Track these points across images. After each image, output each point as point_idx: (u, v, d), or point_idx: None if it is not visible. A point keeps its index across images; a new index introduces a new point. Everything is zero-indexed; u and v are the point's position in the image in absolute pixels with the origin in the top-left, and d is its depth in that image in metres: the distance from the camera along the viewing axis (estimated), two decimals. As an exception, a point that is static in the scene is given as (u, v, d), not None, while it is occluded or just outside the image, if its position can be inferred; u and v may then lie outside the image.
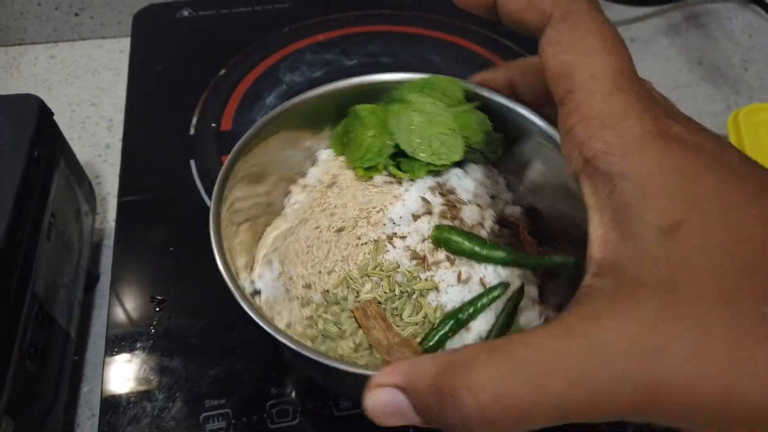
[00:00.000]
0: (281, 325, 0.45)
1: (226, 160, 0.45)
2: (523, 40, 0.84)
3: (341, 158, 0.52)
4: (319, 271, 0.46)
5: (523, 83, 0.46)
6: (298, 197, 0.52)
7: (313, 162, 0.53)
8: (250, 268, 0.49)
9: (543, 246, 0.49)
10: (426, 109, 0.47)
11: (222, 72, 0.80)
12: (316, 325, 0.44)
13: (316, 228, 0.47)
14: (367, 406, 0.30)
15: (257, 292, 0.47)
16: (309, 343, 0.44)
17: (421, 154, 0.47)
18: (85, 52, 0.95)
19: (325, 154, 0.53)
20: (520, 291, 0.45)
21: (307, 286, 0.45)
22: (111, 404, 0.52)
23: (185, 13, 0.88)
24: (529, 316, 0.45)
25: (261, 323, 0.38)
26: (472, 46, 0.84)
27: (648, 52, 0.96)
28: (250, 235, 0.49)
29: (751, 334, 0.24)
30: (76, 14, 0.93)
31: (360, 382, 0.32)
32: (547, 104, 0.44)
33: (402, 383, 0.29)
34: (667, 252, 0.26)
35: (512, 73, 0.45)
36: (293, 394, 0.52)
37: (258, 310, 0.39)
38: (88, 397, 0.61)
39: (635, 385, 0.24)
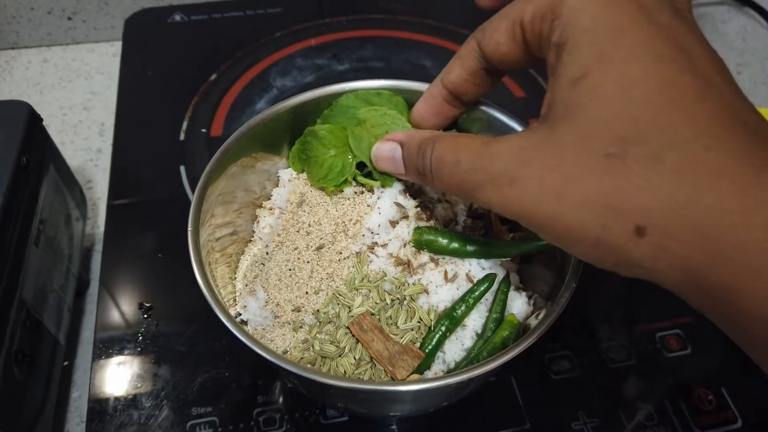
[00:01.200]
0: None
1: (193, 200, 0.44)
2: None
3: (303, 175, 0.52)
4: (306, 292, 0.45)
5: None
6: (267, 221, 0.51)
7: (276, 183, 0.53)
8: (233, 300, 0.48)
9: (514, 232, 0.50)
10: (380, 122, 0.48)
11: (213, 77, 0.80)
12: (313, 347, 0.44)
13: (295, 249, 0.47)
14: (373, 151, 0.46)
15: (244, 323, 0.47)
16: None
17: None
18: (77, 55, 0.95)
19: (287, 174, 0.52)
20: (507, 279, 0.46)
21: (297, 309, 0.45)
22: (98, 412, 0.52)
23: (177, 17, 0.88)
24: (518, 304, 0.46)
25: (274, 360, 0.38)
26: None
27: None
28: (225, 267, 0.48)
29: (584, 164, 0.30)
30: (69, 18, 0.93)
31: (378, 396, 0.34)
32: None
33: (401, 139, 0.43)
34: (566, 97, 0.31)
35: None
36: (280, 401, 0.52)
37: (261, 344, 0.39)
38: (78, 403, 0.61)
39: (484, 182, 0.34)
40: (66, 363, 0.62)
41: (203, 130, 0.74)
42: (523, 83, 0.80)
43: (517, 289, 0.47)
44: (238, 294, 0.48)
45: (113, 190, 0.67)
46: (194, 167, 0.69)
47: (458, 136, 0.38)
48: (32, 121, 0.59)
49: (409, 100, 0.49)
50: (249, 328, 0.46)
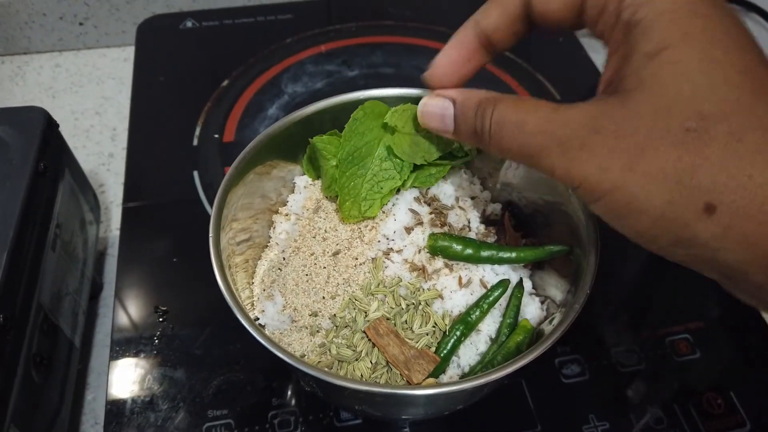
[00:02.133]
0: None
1: (214, 206, 0.45)
2: (522, 50, 0.85)
3: (319, 182, 0.52)
4: (323, 297, 0.46)
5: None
6: (283, 226, 0.52)
7: (292, 189, 0.54)
8: (251, 304, 0.49)
9: (526, 238, 0.51)
10: (407, 117, 0.48)
11: (225, 83, 0.81)
12: (330, 351, 0.44)
13: (311, 255, 0.48)
14: (421, 106, 0.42)
15: (262, 327, 0.47)
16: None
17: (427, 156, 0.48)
18: (89, 61, 0.96)
19: (303, 181, 0.53)
20: (520, 285, 0.47)
21: (314, 314, 0.46)
22: (114, 414, 0.52)
23: (188, 23, 0.89)
24: (532, 309, 0.47)
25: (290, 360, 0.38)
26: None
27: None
28: (242, 272, 0.49)
29: (661, 137, 0.30)
30: (81, 24, 0.94)
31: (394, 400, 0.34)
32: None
33: (455, 96, 0.40)
34: (641, 70, 0.31)
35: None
36: (294, 404, 0.53)
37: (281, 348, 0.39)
38: (93, 405, 0.61)
39: (550, 146, 0.33)
40: (80, 366, 0.63)
41: (216, 136, 0.74)
42: (531, 88, 0.80)
43: (531, 294, 0.48)
44: (255, 299, 0.48)
45: (128, 194, 0.68)
46: (207, 172, 0.70)
47: (522, 98, 0.36)
48: (49, 126, 0.60)
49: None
50: (267, 332, 0.47)
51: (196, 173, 0.70)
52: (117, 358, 0.56)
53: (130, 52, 0.92)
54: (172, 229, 0.66)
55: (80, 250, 0.64)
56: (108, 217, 0.76)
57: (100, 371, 0.63)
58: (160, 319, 0.58)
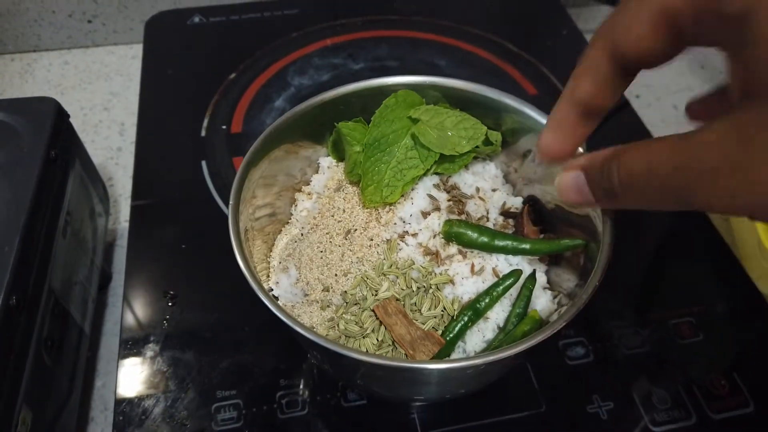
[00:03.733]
0: None
1: (236, 177, 0.46)
2: (526, 45, 0.86)
3: (342, 164, 0.54)
4: (335, 274, 0.47)
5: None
6: (305, 204, 0.53)
7: (316, 169, 0.55)
8: (266, 275, 0.50)
9: (545, 233, 0.51)
10: (432, 114, 0.49)
11: (232, 76, 0.81)
12: (338, 326, 0.45)
13: (327, 233, 0.49)
14: (557, 185, 0.40)
15: (275, 299, 0.48)
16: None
17: (457, 148, 0.48)
18: (97, 58, 0.97)
19: (327, 161, 0.54)
20: (532, 276, 0.47)
21: (326, 290, 0.47)
22: (125, 395, 0.53)
23: (196, 19, 0.90)
24: (543, 302, 0.47)
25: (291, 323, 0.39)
26: (476, 50, 0.85)
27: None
28: (261, 244, 0.50)
29: None
30: (89, 21, 0.96)
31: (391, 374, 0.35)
32: None
33: (582, 164, 0.38)
34: None
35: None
36: (302, 385, 0.54)
37: (289, 315, 0.39)
38: (102, 391, 0.62)
39: (694, 180, 0.29)
40: (90, 354, 0.63)
41: (223, 127, 0.75)
42: (535, 80, 0.81)
43: (544, 288, 0.49)
44: (271, 270, 0.49)
45: (137, 185, 0.69)
46: (215, 162, 0.71)
47: (645, 142, 0.33)
48: (59, 116, 0.61)
49: (446, 95, 0.51)
50: (279, 303, 0.47)
51: (204, 163, 0.71)
52: (127, 341, 0.56)
53: (137, 49, 0.93)
54: (180, 216, 0.66)
55: (90, 239, 0.65)
56: (117, 210, 0.77)
57: (108, 359, 0.64)
58: (170, 304, 0.59)
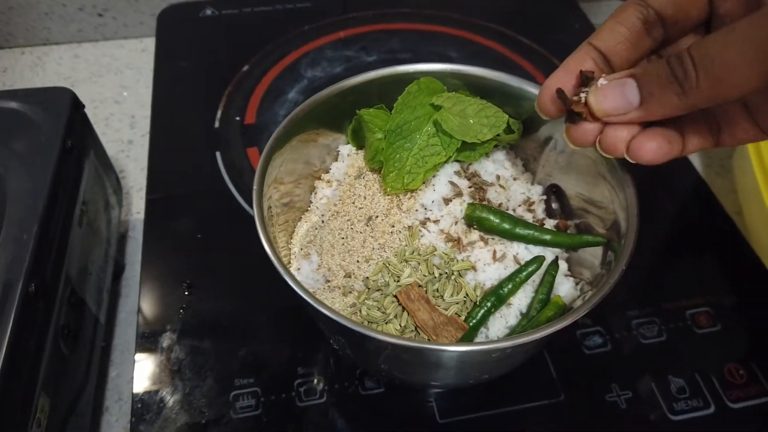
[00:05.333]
0: None
1: (260, 161, 0.46)
2: (539, 37, 0.86)
3: (362, 152, 0.54)
4: (357, 260, 0.47)
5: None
6: (324, 192, 0.53)
7: (335, 157, 0.55)
8: (288, 261, 0.50)
9: (566, 220, 0.51)
10: (455, 101, 0.49)
11: (245, 68, 0.82)
12: (360, 312, 0.45)
13: (348, 220, 0.49)
14: (593, 95, 0.37)
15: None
16: None
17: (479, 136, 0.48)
18: (108, 51, 0.97)
19: (347, 149, 0.54)
20: (555, 263, 0.47)
21: (348, 275, 0.47)
22: (143, 383, 0.53)
23: (208, 12, 0.90)
24: (566, 288, 0.47)
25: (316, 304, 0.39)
26: (488, 42, 0.85)
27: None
28: (281, 232, 0.50)
29: None
30: (100, 15, 0.95)
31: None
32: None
33: (632, 72, 0.36)
34: None
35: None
36: (320, 373, 0.54)
37: (316, 298, 0.39)
38: (116, 381, 0.62)
39: None
40: (104, 344, 0.63)
41: (237, 118, 0.75)
42: (547, 74, 0.81)
43: (566, 276, 0.48)
44: (292, 256, 0.49)
45: (152, 173, 0.69)
46: (229, 153, 0.71)
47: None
48: (75, 106, 0.61)
49: (467, 83, 0.51)
50: None
51: (218, 154, 0.71)
52: (145, 328, 0.57)
53: (147, 43, 0.93)
54: (195, 206, 0.67)
55: (104, 229, 0.65)
56: (129, 202, 0.77)
57: (123, 349, 0.64)
58: (186, 293, 0.59)
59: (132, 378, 0.54)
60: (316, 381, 0.53)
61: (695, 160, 0.80)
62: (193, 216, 0.65)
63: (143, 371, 0.54)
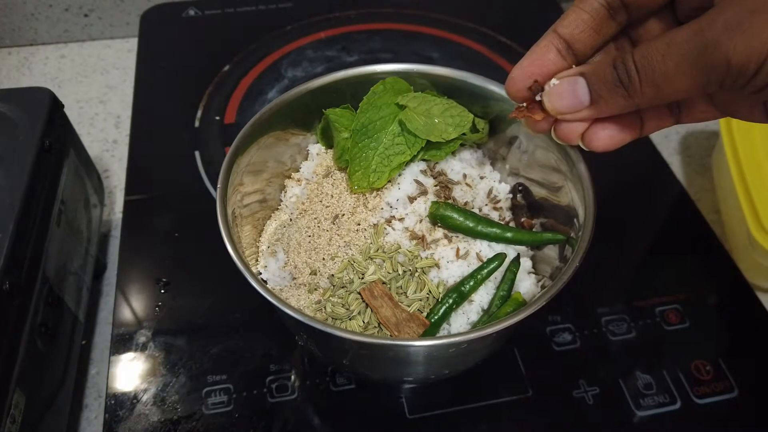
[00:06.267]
0: None
1: (224, 162, 0.46)
2: (519, 37, 0.86)
3: (331, 151, 0.54)
4: (323, 258, 0.48)
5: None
6: (294, 190, 0.54)
7: (306, 156, 0.55)
8: (255, 259, 0.51)
9: (532, 218, 0.52)
10: (420, 102, 0.50)
11: (226, 68, 0.82)
12: (325, 308, 0.46)
13: (315, 218, 0.50)
14: (546, 92, 0.39)
15: (264, 282, 0.49)
16: None
17: (444, 135, 0.49)
18: (94, 51, 0.98)
19: (316, 148, 0.55)
20: (516, 260, 0.48)
21: (313, 273, 0.48)
22: (117, 380, 0.54)
23: (191, 12, 0.91)
24: (527, 285, 0.48)
25: (275, 302, 0.39)
26: (470, 43, 0.86)
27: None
28: (251, 229, 0.51)
29: None
30: (86, 15, 0.96)
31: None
32: None
33: (582, 70, 0.38)
34: None
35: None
36: (292, 370, 0.54)
37: (275, 296, 0.40)
38: (96, 379, 0.63)
39: (715, 37, 0.31)
40: (84, 342, 0.64)
41: (217, 118, 0.76)
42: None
43: (529, 273, 0.49)
44: (260, 254, 0.50)
45: (131, 172, 0.70)
46: (208, 152, 0.72)
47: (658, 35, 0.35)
48: (54, 106, 0.61)
49: (434, 82, 0.52)
50: (268, 287, 0.48)
51: (197, 153, 0.72)
52: (119, 326, 0.57)
53: (133, 43, 0.93)
54: (173, 204, 0.67)
55: (84, 229, 0.66)
56: (112, 201, 0.78)
57: (103, 347, 0.65)
58: (162, 291, 0.59)
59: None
60: (288, 378, 0.54)
61: (674, 157, 0.81)
62: (172, 215, 0.66)
63: (118, 369, 0.55)
